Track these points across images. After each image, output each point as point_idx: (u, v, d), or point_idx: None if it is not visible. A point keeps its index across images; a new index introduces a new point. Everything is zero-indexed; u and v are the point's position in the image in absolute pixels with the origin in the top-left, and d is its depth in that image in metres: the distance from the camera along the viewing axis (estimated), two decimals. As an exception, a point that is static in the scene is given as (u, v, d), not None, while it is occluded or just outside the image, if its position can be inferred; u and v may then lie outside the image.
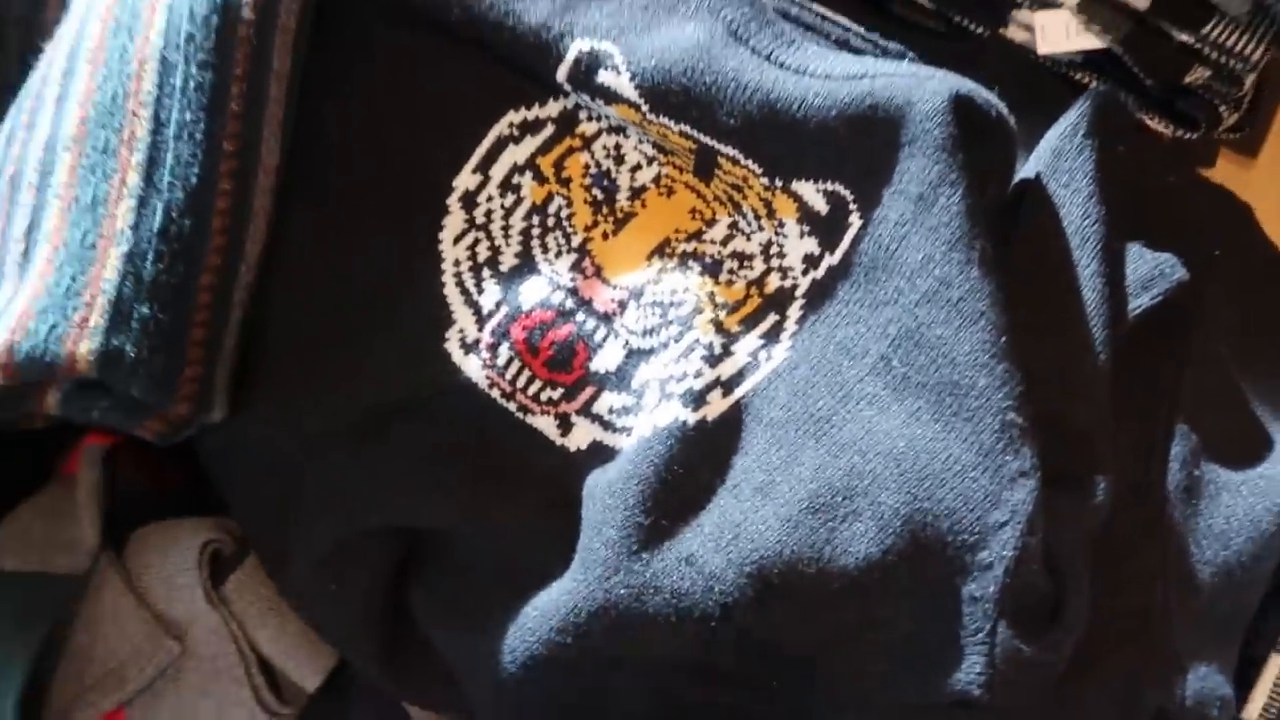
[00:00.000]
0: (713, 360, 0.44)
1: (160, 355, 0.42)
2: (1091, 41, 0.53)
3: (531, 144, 0.46)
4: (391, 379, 0.45)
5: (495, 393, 0.45)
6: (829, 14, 0.48)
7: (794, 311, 0.45)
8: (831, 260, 0.44)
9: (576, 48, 0.45)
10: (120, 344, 0.41)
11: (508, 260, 0.46)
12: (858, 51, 0.47)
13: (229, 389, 0.44)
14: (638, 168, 0.46)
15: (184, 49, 0.43)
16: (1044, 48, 0.54)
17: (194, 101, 0.43)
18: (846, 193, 0.44)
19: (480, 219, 0.46)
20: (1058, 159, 0.47)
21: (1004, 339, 0.41)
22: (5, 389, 0.42)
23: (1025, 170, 0.48)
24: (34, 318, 0.41)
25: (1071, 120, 0.48)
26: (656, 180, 0.46)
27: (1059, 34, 0.53)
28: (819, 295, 0.44)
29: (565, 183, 0.46)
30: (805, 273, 0.45)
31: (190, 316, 0.42)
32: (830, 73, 0.43)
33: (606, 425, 0.45)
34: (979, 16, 0.55)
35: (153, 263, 0.42)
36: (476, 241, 0.46)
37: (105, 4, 0.44)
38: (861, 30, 0.48)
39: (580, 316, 0.45)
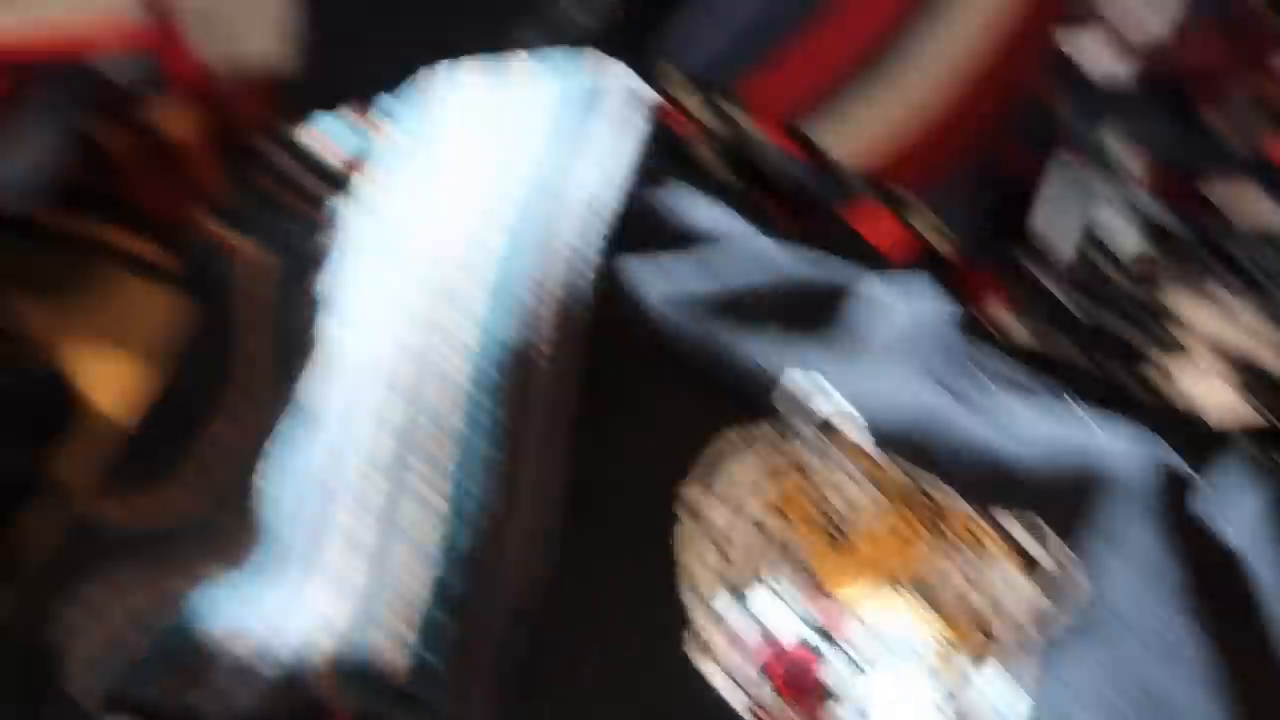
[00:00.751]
0: (949, 698, 0.49)
1: (460, 668, 0.46)
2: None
3: (749, 459, 0.52)
4: (641, 683, 0.49)
5: (737, 704, 0.49)
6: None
7: (1028, 661, 0.48)
8: (1062, 617, 0.49)
9: (790, 376, 0.51)
10: (430, 659, 0.46)
11: (739, 570, 0.50)
12: (1029, 392, 0.54)
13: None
14: (858, 502, 0.52)
15: (488, 389, 0.49)
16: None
17: (494, 437, 0.48)
18: (1069, 551, 0.49)
19: (707, 528, 0.51)
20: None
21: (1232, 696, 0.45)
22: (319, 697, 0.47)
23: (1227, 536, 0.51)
24: (354, 632, 0.46)
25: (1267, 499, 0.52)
26: (875, 510, 0.52)
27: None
28: (1052, 648, 0.48)
29: (786, 507, 0.52)
30: (1037, 627, 0.49)
31: (487, 633, 0.47)
32: (1040, 438, 0.50)
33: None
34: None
35: (461, 582, 0.47)
36: (705, 549, 0.50)
37: (413, 350, 0.50)
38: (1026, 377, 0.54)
39: (813, 638, 0.50)
